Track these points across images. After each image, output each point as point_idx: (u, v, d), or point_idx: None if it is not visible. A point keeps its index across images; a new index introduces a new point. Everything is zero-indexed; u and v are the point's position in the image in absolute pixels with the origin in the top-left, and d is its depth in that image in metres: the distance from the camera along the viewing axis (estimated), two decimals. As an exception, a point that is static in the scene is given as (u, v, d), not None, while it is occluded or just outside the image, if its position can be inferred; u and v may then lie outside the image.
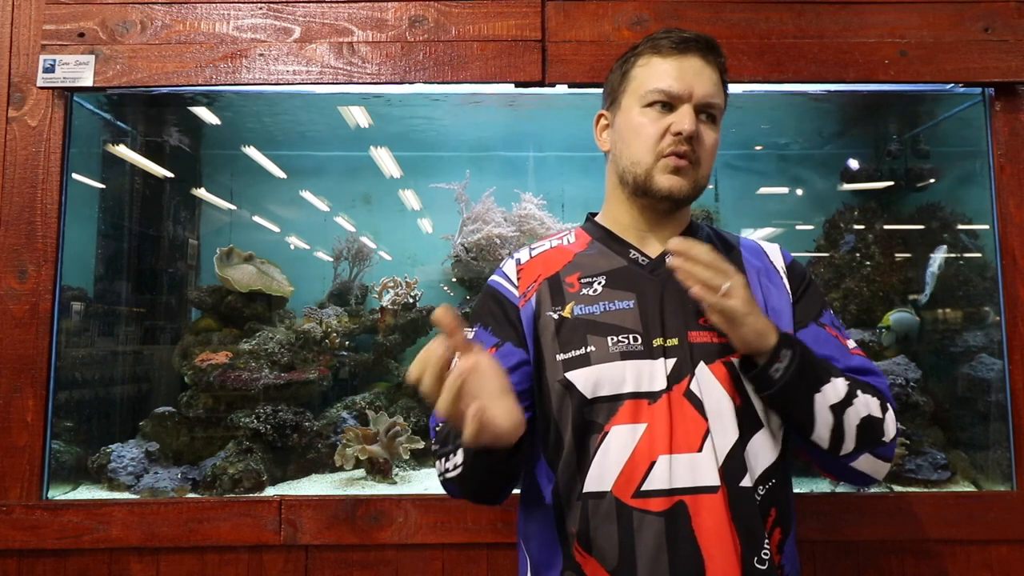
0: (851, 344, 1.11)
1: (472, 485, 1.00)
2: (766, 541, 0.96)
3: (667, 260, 0.97)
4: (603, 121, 1.18)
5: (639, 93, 1.08)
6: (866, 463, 1.02)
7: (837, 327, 1.12)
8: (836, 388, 0.98)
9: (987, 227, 1.71)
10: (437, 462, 1.03)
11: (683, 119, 1.03)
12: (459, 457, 0.97)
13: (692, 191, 1.07)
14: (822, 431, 0.98)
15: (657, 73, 1.06)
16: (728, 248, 1.16)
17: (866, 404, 1.00)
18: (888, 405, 1.04)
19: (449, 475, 1.00)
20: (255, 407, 1.86)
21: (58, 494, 1.64)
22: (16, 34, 1.64)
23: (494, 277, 1.16)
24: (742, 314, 0.93)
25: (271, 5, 1.66)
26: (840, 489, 1.66)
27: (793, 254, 1.19)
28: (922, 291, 2.03)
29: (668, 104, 1.06)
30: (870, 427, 1.00)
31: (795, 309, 1.10)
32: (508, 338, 1.08)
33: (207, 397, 1.88)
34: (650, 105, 1.07)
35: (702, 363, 1.00)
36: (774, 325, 0.98)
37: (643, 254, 1.11)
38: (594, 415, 1.00)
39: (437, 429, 1.07)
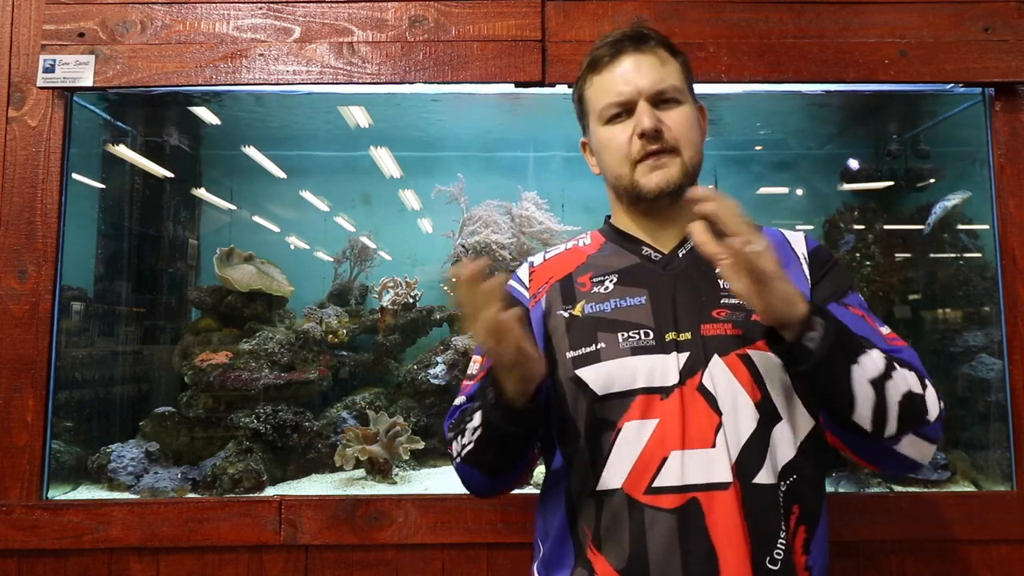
0: (884, 330, 1.04)
1: (487, 453, 1.01)
2: (780, 540, 0.94)
3: (693, 207, 0.90)
4: (587, 147, 1.20)
5: (596, 114, 1.10)
6: (911, 446, 0.94)
7: (866, 309, 1.06)
8: (874, 360, 0.91)
9: (987, 227, 1.71)
10: (453, 443, 1.06)
11: (642, 118, 1.03)
12: (476, 420, 1.00)
13: (683, 177, 1.05)
14: (863, 410, 0.90)
15: (602, 90, 1.08)
16: None
17: (904, 379, 0.92)
18: (926, 381, 0.96)
19: (466, 449, 1.02)
20: (255, 407, 1.86)
21: (58, 494, 1.63)
22: (16, 34, 1.64)
23: (508, 282, 1.17)
24: (772, 276, 0.85)
25: (271, 5, 1.66)
26: (841, 489, 1.66)
27: None
28: (927, 220, 2.04)
29: (627, 111, 1.06)
30: (912, 404, 0.92)
31: (814, 290, 1.05)
32: None
33: (207, 397, 1.88)
34: (610, 120, 1.08)
35: (716, 356, 0.98)
36: (802, 294, 0.90)
37: (656, 250, 1.10)
38: (606, 412, 0.99)
39: (453, 421, 1.10)
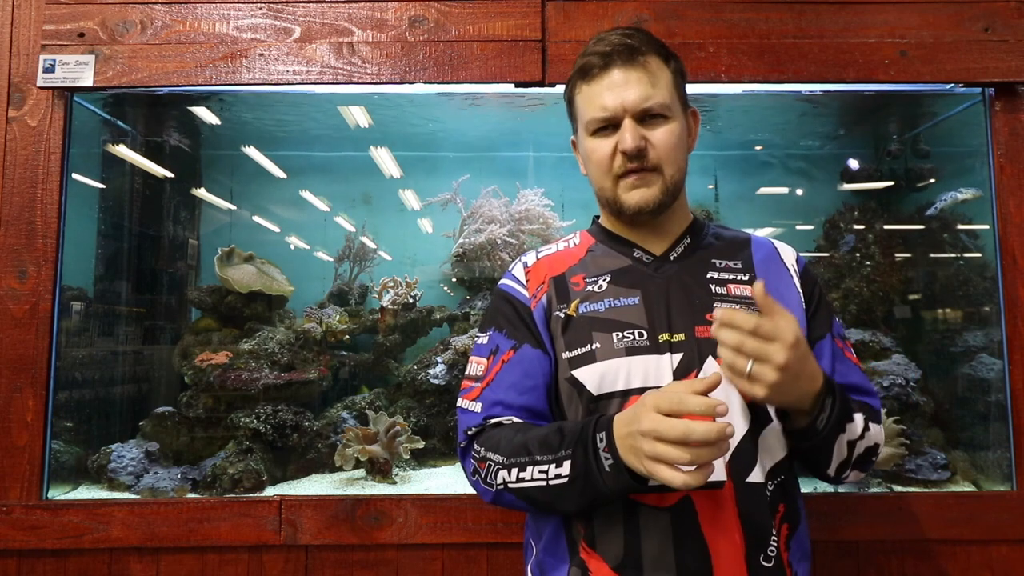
0: (855, 358, 1.13)
1: (564, 500, 0.94)
2: (773, 538, 0.96)
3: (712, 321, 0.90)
4: (577, 147, 1.20)
5: (584, 123, 1.10)
6: (853, 477, 1.05)
7: (843, 336, 1.13)
8: (855, 426, 0.98)
9: (987, 227, 1.71)
10: (504, 471, 0.97)
11: (624, 137, 1.03)
12: (565, 469, 0.92)
13: (663, 196, 1.06)
14: (834, 463, 1.00)
15: (590, 102, 1.07)
16: (738, 246, 1.15)
17: (873, 436, 1.02)
18: (880, 416, 1.07)
19: (525, 484, 0.95)
20: (255, 407, 1.86)
21: (58, 494, 1.63)
22: (16, 34, 1.64)
23: (504, 281, 1.17)
24: (790, 380, 0.87)
25: (271, 5, 1.66)
26: (841, 489, 1.66)
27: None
28: (934, 205, 2.06)
29: (612, 125, 1.06)
30: (868, 455, 1.03)
31: (811, 322, 1.09)
32: (525, 340, 1.08)
33: (207, 397, 1.88)
34: (596, 133, 1.08)
35: (710, 358, 1.00)
36: (820, 371, 0.93)
37: (647, 252, 1.12)
38: (601, 411, 1.00)
39: (471, 432, 1.05)
